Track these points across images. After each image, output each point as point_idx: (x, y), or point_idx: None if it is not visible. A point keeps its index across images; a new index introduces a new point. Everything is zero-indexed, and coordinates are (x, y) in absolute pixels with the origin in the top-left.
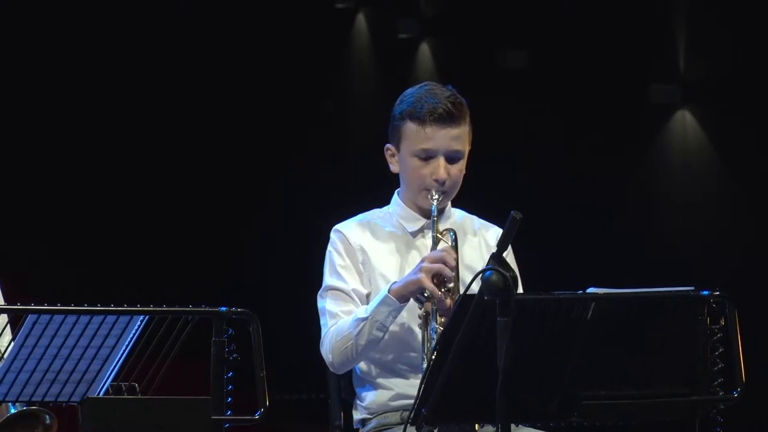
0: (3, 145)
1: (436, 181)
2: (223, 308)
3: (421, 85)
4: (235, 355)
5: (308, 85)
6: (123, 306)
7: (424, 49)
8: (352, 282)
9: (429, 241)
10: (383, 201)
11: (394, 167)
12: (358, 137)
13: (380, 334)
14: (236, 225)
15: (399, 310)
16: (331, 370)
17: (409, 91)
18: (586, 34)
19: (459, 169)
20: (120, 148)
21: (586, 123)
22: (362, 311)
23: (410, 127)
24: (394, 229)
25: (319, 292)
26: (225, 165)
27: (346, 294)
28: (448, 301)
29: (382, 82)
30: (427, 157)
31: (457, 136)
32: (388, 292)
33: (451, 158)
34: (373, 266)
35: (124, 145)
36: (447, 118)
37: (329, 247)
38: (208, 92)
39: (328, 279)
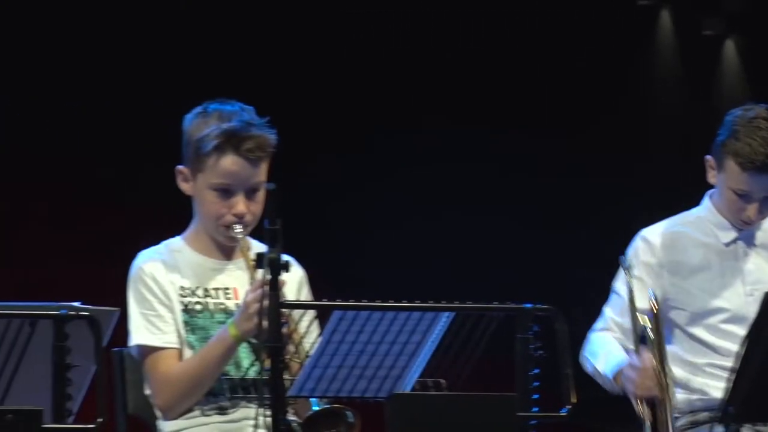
0: None
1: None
2: (528, 305)
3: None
4: (540, 352)
5: (608, 82)
6: (428, 302)
7: (729, 46)
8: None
9: (744, 254)
10: (689, 203)
11: (710, 177)
12: (659, 137)
13: None
14: (543, 223)
15: None
16: None
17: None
18: None
19: None
20: None
21: None
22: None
23: (730, 166)
24: (705, 237)
25: (612, 284)
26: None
27: (626, 305)
28: None
29: (685, 81)
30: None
31: None
32: None
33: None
34: (683, 280)
35: None
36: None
37: (630, 249)
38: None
39: (617, 280)
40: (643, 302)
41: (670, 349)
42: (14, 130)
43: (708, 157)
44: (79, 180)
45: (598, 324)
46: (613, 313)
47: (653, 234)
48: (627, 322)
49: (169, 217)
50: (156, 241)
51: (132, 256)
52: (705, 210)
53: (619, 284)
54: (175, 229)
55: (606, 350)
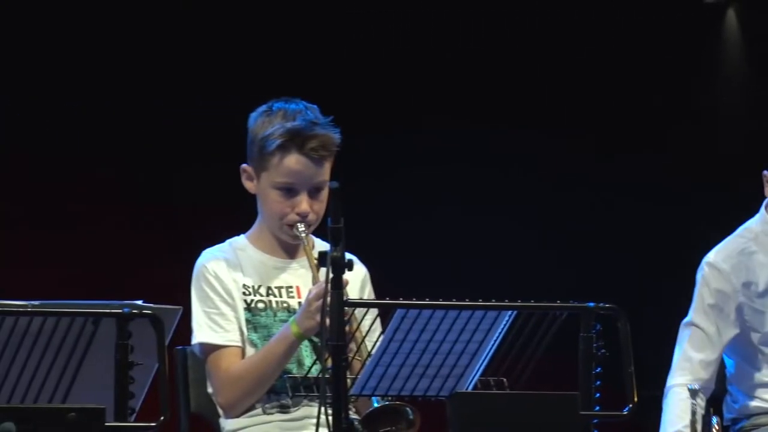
0: None
1: None
2: (591, 304)
3: None
4: (603, 351)
5: (673, 82)
6: (491, 301)
7: None
8: (710, 329)
9: None
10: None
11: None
12: (727, 136)
13: None
14: (603, 222)
15: None
16: None
17: None
18: None
19: None
20: None
21: None
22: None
23: None
24: None
25: (684, 321)
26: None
27: (707, 337)
28: None
29: (754, 80)
30: None
31: None
32: None
33: None
34: (756, 300)
35: None
36: None
37: (699, 277)
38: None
39: (693, 313)
40: (720, 335)
41: (758, 375)
42: (93, 132)
43: (765, 172)
44: (144, 180)
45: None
46: (691, 349)
47: (720, 259)
48: (704, 357)
49: (234, 216)
50: (220, 240)
51: (196, 255)
52: (763, 223)
53: (698, 317)
54: (239, 227)
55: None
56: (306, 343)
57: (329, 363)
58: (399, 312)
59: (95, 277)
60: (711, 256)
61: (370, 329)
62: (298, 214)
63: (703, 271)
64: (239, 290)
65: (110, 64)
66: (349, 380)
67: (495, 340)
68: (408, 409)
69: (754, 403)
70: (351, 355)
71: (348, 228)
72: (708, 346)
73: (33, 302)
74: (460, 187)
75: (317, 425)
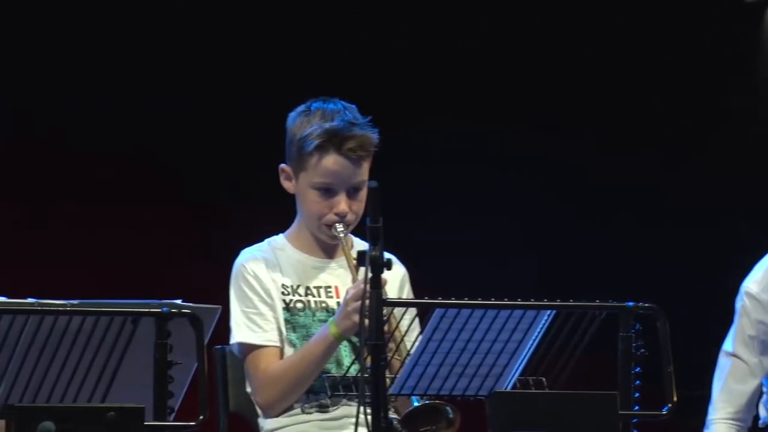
0: None
1: None
2: (630, 303)
3: None
4: (642, 351)
5: (712, 82)
6: (530, 301)
7: None
8: (751, 360)
9: None
10: None
11: None
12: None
13: None
14: (647, 223)
15: None
16: None
17: None
18: None
19: None
20: None
21: None
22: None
23: None
24: None
25: (724, 349)
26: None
27: (748, 368)
28: None
29: None
30: None
31: None
32: None
33: None
34: None
35: None
36: None
37: (739, 307)
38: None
39: (734, 344)
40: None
41: None
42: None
43: None
44: (181, 180)
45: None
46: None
47: (760, 290)
48: (746, 388)
49: (272, 215)
50: (259, 239)
51: (235, 254)
52: None
53: (739, 348)
54: (277, 227)
55: None
56: (345, 342)
57: (368, 362)
58: (438, 311)
59: (134, 275)
60: (750, 285)
61: (409, 328)
62: (336, 214)
63: (743, 302)
64: (278, 290)
65: (156, 66)
66: (387, 380)
67: (534, 340)
68: (448, 408)
69: None
70: (390, 354)
71: (386, 227)
72: (749, 377)
73: (72, 301)
74: (500, 187)
75: (356, 424)
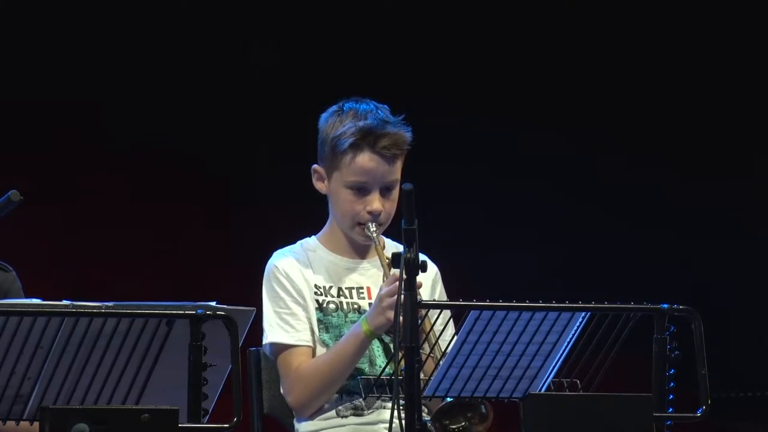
0: None
1: None
2: (665, 305)
3: None
4: (677, 353)
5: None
6: (565, 302)
7: None
8: None
9: None
10: None
11: None
12: None
13: None
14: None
15: None
16: None
17: None
18: None
19: None
20: None
21: None
22: None
23: None
24: None
25: None
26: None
27: None
28: None
29: None
30: None
31: None
32: None
33: None
34: None
35: None
36: None
37: None
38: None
39: None
40: None
41: None
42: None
43: None
44: (219, 181)
45: None
46: None
47: None
48: None
49: (304, 217)
50: (291, 241)
51: (268, 256)
52: None
53: None
54: (309, 228)
55: None
56: (376, 342)
57: (402, 364)
58: (473, 313)
59: (169, 277)
60: None
61: (443, 329)
62: (369, 213)
63: None
64: (310, 290)
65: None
66: (422, 381)
67: (568, 342)
68: (482, 404)
69: None
70: (424, 355)
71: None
72: None
73: (107, 303)
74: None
75: (390, 427)
